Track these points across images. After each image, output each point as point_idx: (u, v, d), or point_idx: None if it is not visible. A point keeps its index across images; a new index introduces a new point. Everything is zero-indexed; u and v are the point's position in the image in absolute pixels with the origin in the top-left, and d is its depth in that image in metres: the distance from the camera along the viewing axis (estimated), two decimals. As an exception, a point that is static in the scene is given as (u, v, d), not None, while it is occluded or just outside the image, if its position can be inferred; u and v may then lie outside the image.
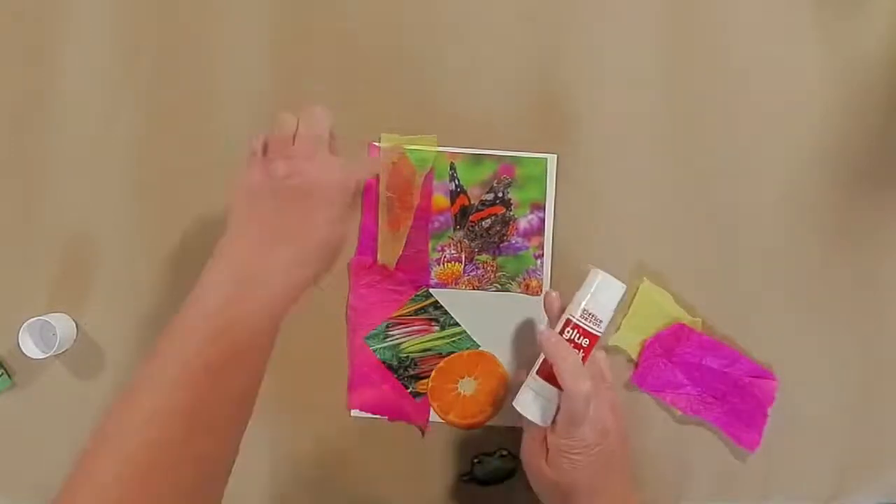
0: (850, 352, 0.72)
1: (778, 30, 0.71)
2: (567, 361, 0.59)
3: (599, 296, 0.61)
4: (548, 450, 0.60)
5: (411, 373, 0.71)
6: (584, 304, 0.61)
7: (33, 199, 0.71)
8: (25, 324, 0.67)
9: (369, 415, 0.71)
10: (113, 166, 0.71)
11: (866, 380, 0.72)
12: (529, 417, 0.61)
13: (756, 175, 0.71)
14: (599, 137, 0.71)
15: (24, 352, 0.67)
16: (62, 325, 0.68)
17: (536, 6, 0.71)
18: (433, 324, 0.71)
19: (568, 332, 0.61)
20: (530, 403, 0.61)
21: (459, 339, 0.71)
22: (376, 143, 0.71)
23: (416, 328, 0.71)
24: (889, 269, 0.72)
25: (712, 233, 0.71)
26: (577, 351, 0.60)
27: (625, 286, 0.62)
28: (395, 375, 0.71)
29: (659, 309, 0.71)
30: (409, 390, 0.71)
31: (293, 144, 0.58)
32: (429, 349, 0.71)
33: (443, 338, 0.71)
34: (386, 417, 0.71)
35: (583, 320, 0.61)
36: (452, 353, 0.71)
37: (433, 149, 0.71)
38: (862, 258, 0.72)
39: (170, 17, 0.71)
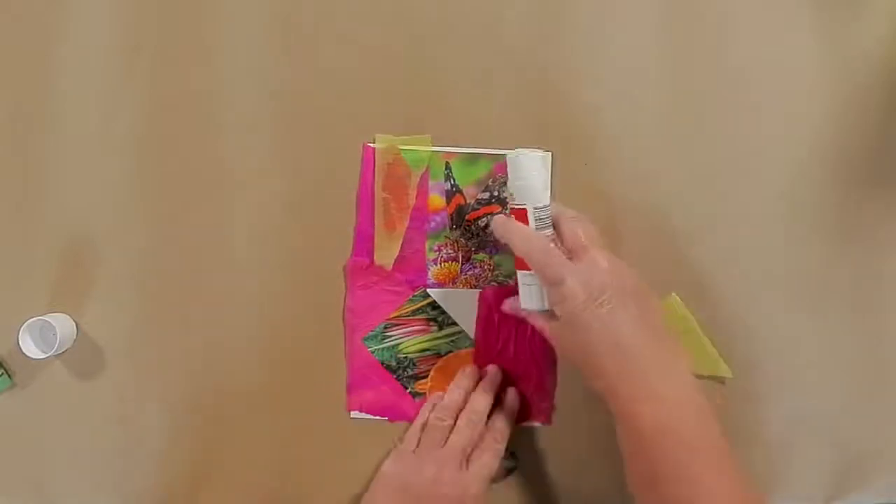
0: (850, 352, 0.72)
1: (778, 30, 0.71)
2: (511, 232, 0.61)
3: (509, 174, 0.63)
4: (559, 318, 0.60)
5: (410, 373, 0.71)
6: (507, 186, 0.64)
7: (33, 199, 0.71)
8: (25, 324, 0.67)
9: (369, 416, 0.71)
10: (113, 166, 0.71)
11: (866, 380, 0.72)
12: (533, 307, 0.63)
13: (756, 174, 0.71)
14: (595, 135, 0.71)
15: (24, 352, 0.67)
16: (62, 325, 0.68)
17: (532, 3, 0.71)
18: (431, 324, 0.71)
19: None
20: (527, 296, 0.64)
21: (458, 338, 0.71)
22: (371, 144, 0.71)
23: (414, 328, 0.71)
24: (889, 268, 0.72)
25: (712, 231, 0.71)
26: (513, 221, 0.62)
27: (534, 153, 0.62)
28: (394, 376, 0.71)
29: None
30: (408, 391, 0.71)
31: (443, 446, 0.65)
32: (427, 349, 0.71)
33: (441, 337, 0.71)
34: (386, 419, 0.71)
35: (510, 202, 0.63)
36: (451, 352, 0.71)
37: (428, 149, 0.71)
38: (862, 257, 0.72)
39: (170, 17, 0.71)
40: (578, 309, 0.58)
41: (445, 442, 0.66)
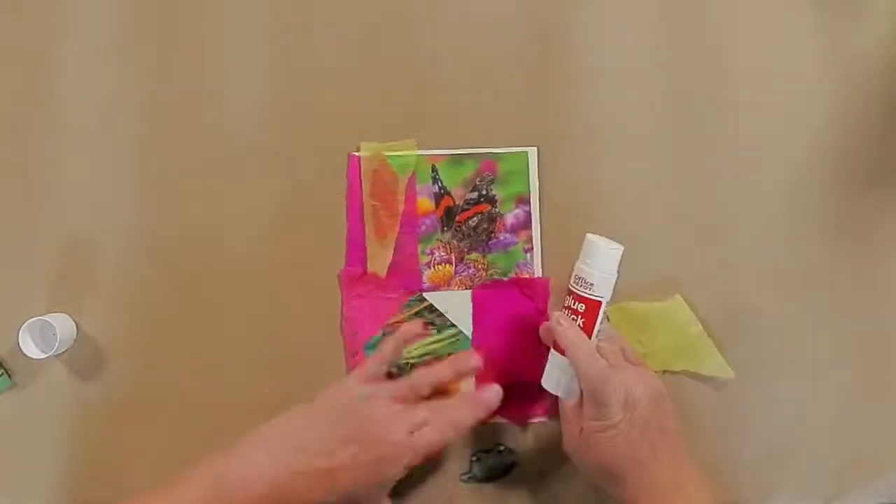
0: (850, 351, 0.72)
1: (778, 29, 0.71)
2: (573, 344, 0.61)
3: (589, 259, 0.62)
4: (582, 431, 0.61)
5: (412, 379, 0.71)
6: (575, 269, 0.63)
7: (33, 199, 0.71)
8: (25, 324, 0.67)
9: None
10: (113, 166, 0.71)
11: (866, 380, 0.72)
12: (555, 393, 0.64)
13: (756, 174, 0.71)
14: (594, 135, 0.71)
15: (24, 352, 0.67)
16: (62, 325, 0.68)
17: (528, 4, 0.71)
18: (429, 327, 0.71)
19: (567, 300, 0.63)
20: (555, 380, 0.64)
21: (457, 340, 0.71)
22: (356, 153, 0.71)
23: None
24: (889, 269, 0.72)
25: (712, 232, 0.71)
26: (580, 333, 0.62)
27: (618, 248, 0.62)
28: (397, 383, 0.71)
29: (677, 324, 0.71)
30: (411, 396, 0.71)
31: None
32: (428, 353, 0.71)
33: (440, 340, 0.71)
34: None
35: (576, 286, 0.63)
36: (451, 354, 0.71)
37: (413, 153, 0.71)
38: (862, 258, 0.72)
39: (170, 18, 0.71)
40: (607, 428, 0.60)
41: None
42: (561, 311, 0.64)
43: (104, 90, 0.71)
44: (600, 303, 0.62)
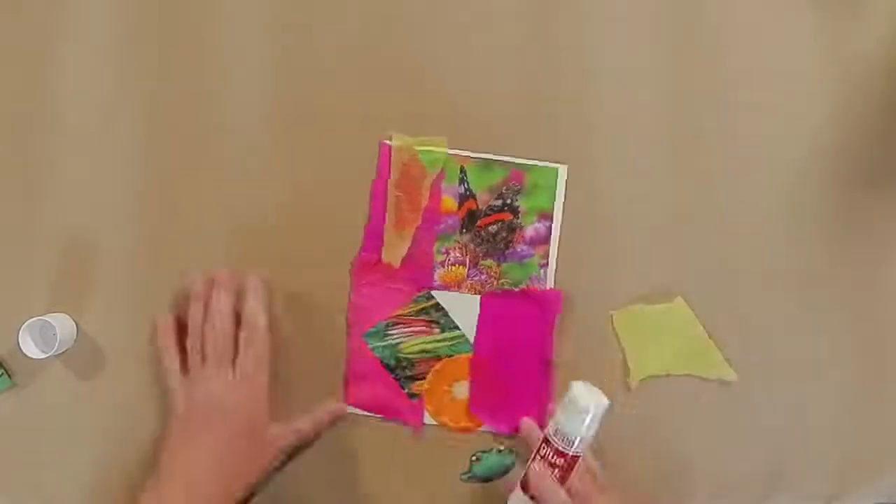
0: (850, 351, 0.72)
1: (778, 29, 0.71)
2: (548, 494, 0.59)
3: (573, 416, 0.59)
4: None
5: (408, 373, 0.71)
6: (555, 420, 0.60)
7: (33, 199, 0.71)
8: (25, 324, 0.67)
9: (364, 412, 0.71)
10: (113, 166, 0.71)
11: (866, 379, 0.72)
12: None
13: (756, 174, 0.71)
14: (593, 136, 0.71)
15: (24, 352, 0.67)
16: (62, 325, 0.68)
17: (527, 3, 0.71)
18: (433, 326, 0.71)
19: (544, 449, 0.61)
20: None
21: (458, 343, 0.71)
22: (387, 142, 0.71)
23: (416, 329, 0.71)
24: (889, 269, 0.72)
25: (712, 233, 0.71)
26: (555, 485, 0.59)
27: (604, 403, 0.60)
28: (392, 375, 0.71)
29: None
30: (405, 391, 0.71)
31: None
32: (427, 351, 0.71)
33: (441, 341, 0.71)
34: (380, 416, 0.71)
35: (556, 439, 0.60)
36: (450, 356, 0.71)
37: (443, 150, 0.71)
38: (862, 258, 0.72)
39: (170, 18, 0.71)
40: None
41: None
42: (536, 455, 0.62)
43: (104, 90, 0.71)
44: (578, 457, 0.60)
